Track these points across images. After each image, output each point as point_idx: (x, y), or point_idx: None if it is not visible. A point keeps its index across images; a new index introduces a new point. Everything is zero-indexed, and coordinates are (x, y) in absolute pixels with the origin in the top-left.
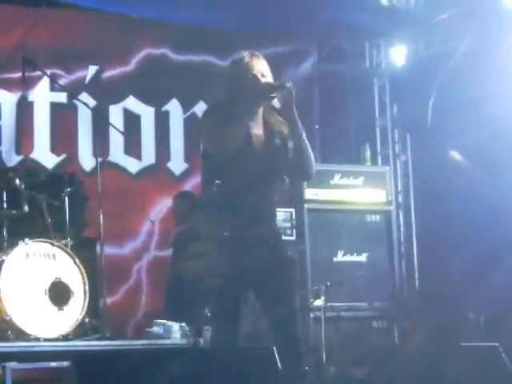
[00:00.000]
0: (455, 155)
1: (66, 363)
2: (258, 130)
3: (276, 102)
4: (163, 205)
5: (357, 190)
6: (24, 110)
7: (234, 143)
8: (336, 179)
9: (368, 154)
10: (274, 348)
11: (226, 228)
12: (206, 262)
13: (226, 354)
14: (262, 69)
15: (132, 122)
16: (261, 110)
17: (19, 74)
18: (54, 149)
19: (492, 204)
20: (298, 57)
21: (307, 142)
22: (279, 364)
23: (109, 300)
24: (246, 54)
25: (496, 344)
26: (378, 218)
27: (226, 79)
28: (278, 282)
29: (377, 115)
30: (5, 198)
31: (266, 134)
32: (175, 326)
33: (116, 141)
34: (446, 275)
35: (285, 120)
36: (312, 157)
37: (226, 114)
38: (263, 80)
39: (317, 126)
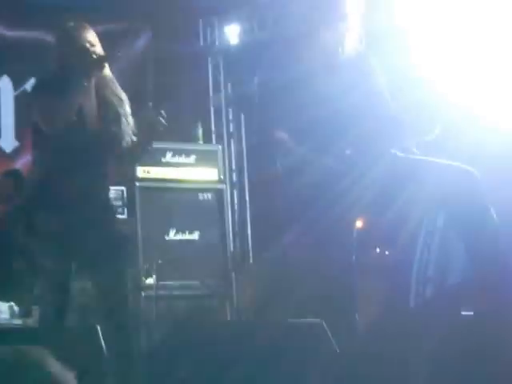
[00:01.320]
0: (281, 135)
1: None
2: (89, 102)
3: (108, 72)
4: None
5: (189, 169)
6: None
7: (64, 118)
8: (168, 157)
9: (200, 132)
10: None
11: (52, 209)
12: (37, 237)
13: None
14: (89, 38)
15: None
16: (92, 82)
17: None
18: None
19: (317, 182)
20: (131, 35)
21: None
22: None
23: None
24: (72, 24)
25: (321, 320)
26: (210, 196)
27: (53, 50)
28: (110, 263)
29: (211, 94)
30: None
31: (98, 107)
32: (3, 306)
33: None
34: (278, 251)
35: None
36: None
37: (55, 87)
38: (92, 50)
39: (150, 104)
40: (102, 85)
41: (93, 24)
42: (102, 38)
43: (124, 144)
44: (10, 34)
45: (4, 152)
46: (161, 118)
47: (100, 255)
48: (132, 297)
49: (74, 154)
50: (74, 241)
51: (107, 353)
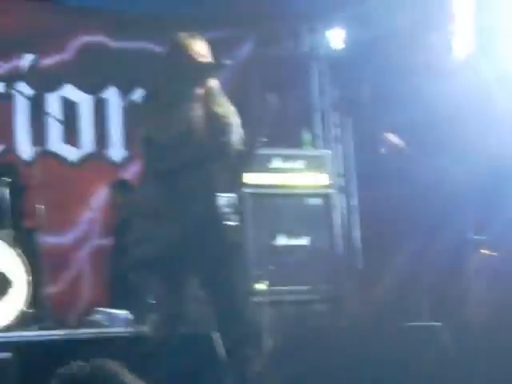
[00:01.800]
0: (390, 137)
1: (6, 354)
2: (198, 112)
3: (216, 83)
4: (103, 192)
5: (297, 174)
6: None
7: (176, 129)
8: (276, 163)
9: (308, 137)
10: None
11: (166, 213)
12: (148, 248)
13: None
14: (199, 48)
15: (70, 110)
16: (201, 92)
17: None
18: None
19: (427, 184)
20: (235, 41)
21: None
22: None
23: (50, 290)
24: (182, 35)
25: (439, 323)
26: (319, 201)
27: (163, 62)
28: (221, 265)
29: (317, 99)
30: None
31: (206, 118)
32: (118, 315)
33: (54, 129)
34: (389, 257)
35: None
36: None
37: (166, 98)
38: (201, 60)
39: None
40: (210, 96)
41: (196, 32)
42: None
43: (232, 154)
44: (115, 45)
45: (113, 162)
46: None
47: (210, 262)
48: (244, 303)
49: (184, 164)
50: (186, 249)
51: (223, 359)
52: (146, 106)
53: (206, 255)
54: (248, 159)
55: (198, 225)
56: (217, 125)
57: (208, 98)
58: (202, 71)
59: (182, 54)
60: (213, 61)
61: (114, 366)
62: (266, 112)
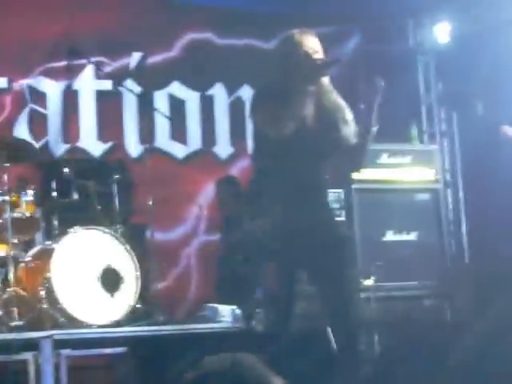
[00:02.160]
0: (507, 130)
1: (120, 349)
2: (310, 110)
3: (326, 80)
4: (210, 189)
5: (405, 169)
6: (69, 98)
7: (289, 124)
8: (384, 158)
9: (415, 132)
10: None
11: (275, 210)
12: (264, 225)
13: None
14: (313, 45)
15: (177, 107)
16: (314, 89)
17: (64, 63)
18: (101, 136)
19: None
20: (342, 37)
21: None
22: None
23: (159, 285)
24: (295, 31)
25: None
26: (426, 196)
27: (276, 58)
28: (332, 261)
29: (422, 94)
30: (54, 187)
31: (318, 114)
32: (226, 310)
33: (162, 126)
34: (496, 254)
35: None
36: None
37: (279, 94)
38: (315, 56)
39: (362, 106)
40: (321, 93)
41: (303, 28)
42: None
43: (346, 148)
44: (221, 42)
45: (220, 159)
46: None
47: (320, 257)
48: (354, 299)
49: (295, 160)
50: (295, 243)
51: (336, 355)
52: (260, 102)
53: (315, 249)
54: (362, 154)
55: (306, 219)
56: (329, 120)
57: (320, 94)
58: (317, 68)
59: (296, 51)
60: (326, 58)
61: (251, 359)
62: (376, 97)
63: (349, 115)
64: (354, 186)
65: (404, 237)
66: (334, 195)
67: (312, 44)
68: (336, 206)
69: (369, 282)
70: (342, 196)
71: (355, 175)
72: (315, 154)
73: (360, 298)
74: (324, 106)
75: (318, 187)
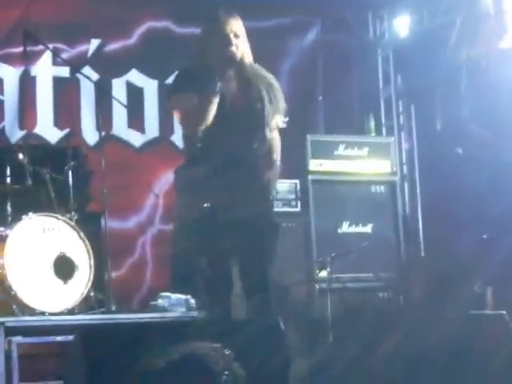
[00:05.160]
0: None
1: (70, 337)
2: (233, 90)
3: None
4: (167, 178)
5: (361, 161)
6: (27, 84)
7: (208, 120)
8: (340, 150)
9: (372, 124)
10: None
11: (205, 206)
12: (190, 242)
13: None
14: (235, 28)
15: (135, 95)
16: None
17: (21, 49)
18: (57, 123)
19: (496, 171)
20: (301, 28)
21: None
22: None
23: (114, 274)
24: (221, 13)
25: (503, 312)
26: (382, 188)
27: (198, 38)
28: (255, 247)
29: (381, 86)
30: (8, 173)
31: (241, 88)
32: (180, 299)
33: (119, 114)
34: (451, 247)
35: None
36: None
37: (195, 81)
38: (234, 42)
39: (320, 97)
40: (243, 69)
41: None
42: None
43: (270, 119)
44: (180, 30)
45: (177, 147)
46: None
47: (247, 241)
48: (306, 289)
49: (222, 148)
50: (225, 227)
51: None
52: (177, 83)
53: (244, 233)
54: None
55: (237, 202)
56: (251, 93)
57: (240, 72)
58: (227, 56)
59: (215, 30)
60: (247, 43)
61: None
62: None
63: (276, 86)
64: (309, 177)
65: (360, 229)
66: (289, 186)
67: (234, 27)
68: (291, 196)
69: (324, 274)
70: (298, 187)
71: (311, 166)
72: (241, 126)
73: (314, 290)
74: (248, 81)
75: (248, 155)
